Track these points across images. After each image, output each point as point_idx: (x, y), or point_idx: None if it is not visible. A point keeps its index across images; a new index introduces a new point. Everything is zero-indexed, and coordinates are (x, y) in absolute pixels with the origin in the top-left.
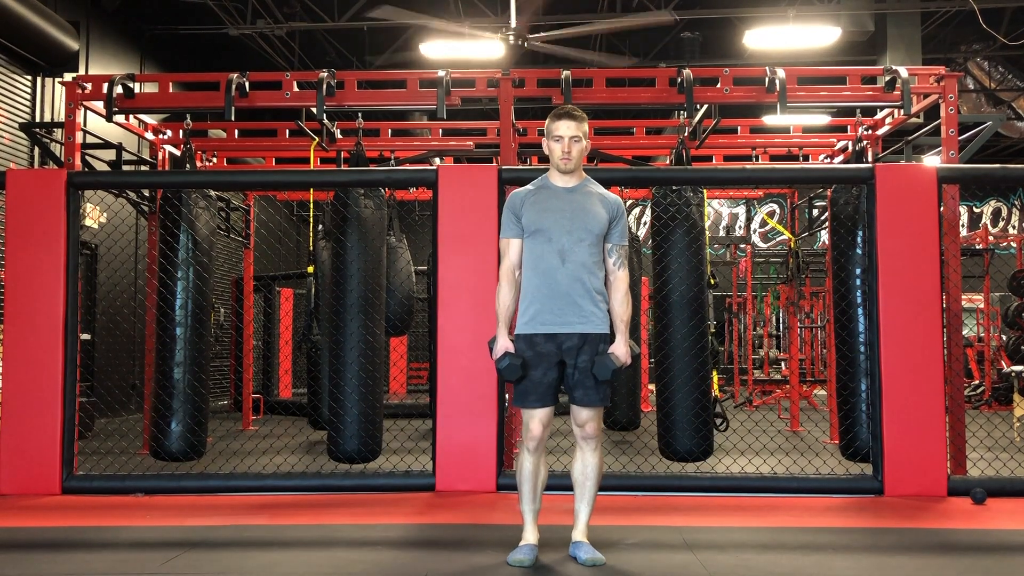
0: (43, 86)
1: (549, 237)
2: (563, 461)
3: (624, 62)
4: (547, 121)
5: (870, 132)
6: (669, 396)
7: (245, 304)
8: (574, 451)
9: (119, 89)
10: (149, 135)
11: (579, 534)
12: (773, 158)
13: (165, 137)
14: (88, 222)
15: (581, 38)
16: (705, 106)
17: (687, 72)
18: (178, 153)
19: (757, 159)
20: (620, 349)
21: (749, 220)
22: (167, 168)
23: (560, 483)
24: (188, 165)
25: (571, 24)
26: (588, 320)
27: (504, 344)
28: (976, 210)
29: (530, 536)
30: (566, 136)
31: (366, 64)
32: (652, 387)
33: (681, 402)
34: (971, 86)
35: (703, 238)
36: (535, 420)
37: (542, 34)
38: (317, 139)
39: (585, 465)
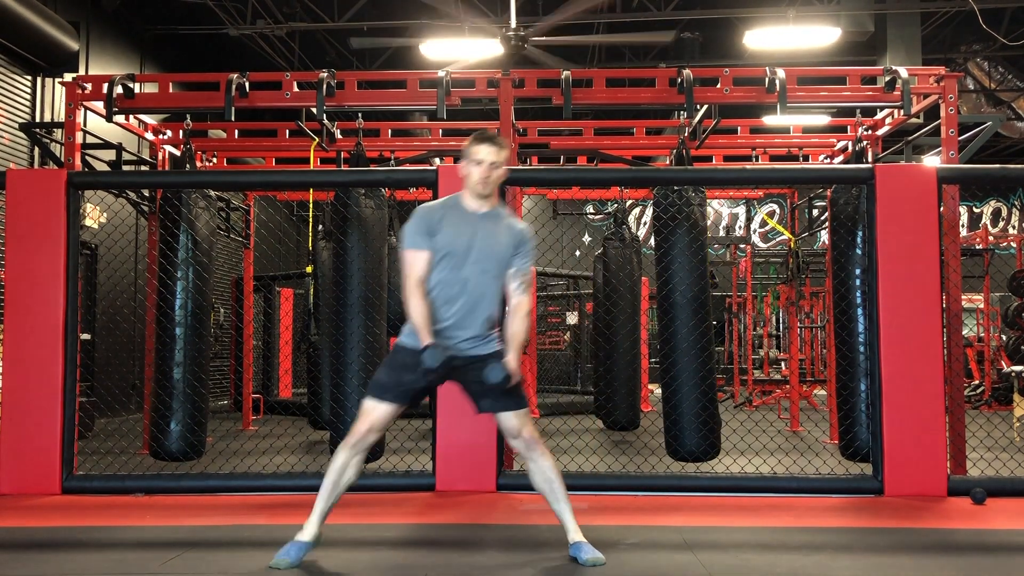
0: (43, 86)
1: (455, 263)
2: (562, 460)
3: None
4: (468, 143)
5: (870, 132)
6: (673, 395)
7: (245, 304)
8: (526, 464)
9: (119, 89)
10: (149, 135)
11: (574, 535)
12: (773, 158)
13: (165, 137)
14: (88, 222)
15: (580, 35)
16: (705, 106)
17: (687, 72)
18: (178, 153)
19: (757, 159)
20: (511, 363)
21: (749, 220)
22: (167, 168)
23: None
24: (188, 165)
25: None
26: (480, 347)
27: (428, 341)
28: (976, 210)
29: (308, 533)
30: (486, 161)
31: (366, 64)
32: (652, 387)
33: (685, 401)
34: (971, 86)
35: (704, 238)
36: (370, 416)
37: (542, 39)
38: (317, 139)
39: (542, 470)
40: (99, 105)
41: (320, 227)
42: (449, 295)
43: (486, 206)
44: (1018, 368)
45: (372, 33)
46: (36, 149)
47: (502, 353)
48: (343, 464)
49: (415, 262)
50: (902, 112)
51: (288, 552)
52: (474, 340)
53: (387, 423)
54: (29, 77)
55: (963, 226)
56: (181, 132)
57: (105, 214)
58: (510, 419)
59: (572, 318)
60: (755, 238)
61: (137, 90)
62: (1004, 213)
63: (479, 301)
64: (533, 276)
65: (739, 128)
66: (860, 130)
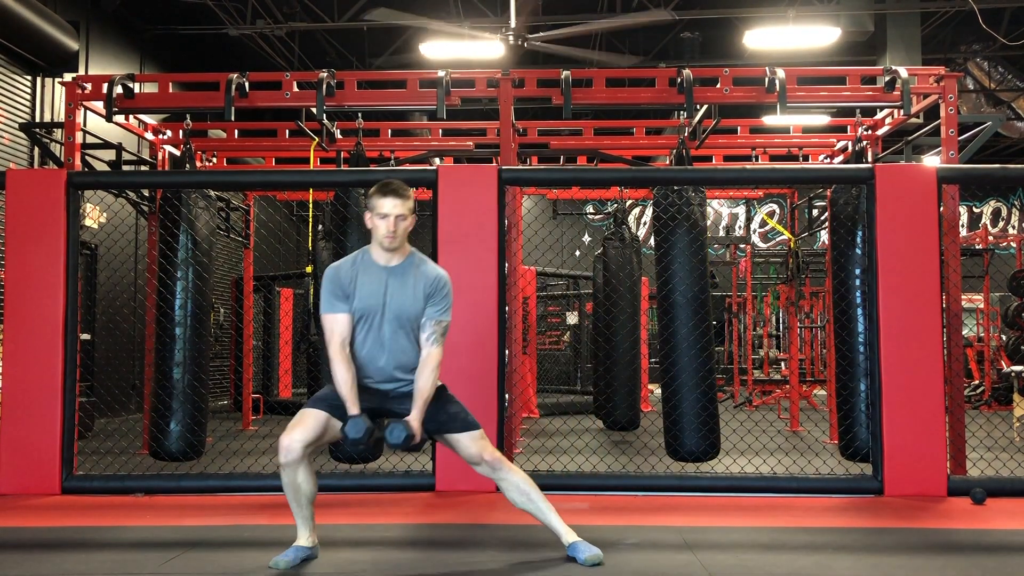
0: (43, 86)
1: (371, 324)
2: (562, 461)
3: (624, 61)
4: (371, 196)
5: (870, 132)
6: (673, 395)
7: (245, 304)
8: (500, 486)
9: (119, 89)
10: (149, 135)
11: (568, 537)
12: (773, 158)
13: (165, 137)
14: (88, 222)
15: (581, 38)
16: (705, 106)
17: (687, 72)
18: (178, 153)
19: (757, 159)
20: (414, 422)
21: (749, 220)
22: (167, 168)
23: (559, 483)
24: (188, 165)
25: (570, 24)
26: (406, 405)
27: (355, 411)
28: (976, 210)
29: (302, 538)
30: (392, 214)
31: (366, 64)
32: (652, 387)
33: (685, 401)
34: (971, 86)
35: (704, 238)
36: (298, 430)
37: (542, 34)
38: (317, 139)
39: (516, 485)
40: (99, 105)
41: (320, 227)
42: (370, 355)
43: (396, 258)
44: (1018, 368)
45: (372, 33)
46: (36, 149)
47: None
48: (291, 481)
49: (334, 325)
50: (902, 112)
51: (287, 555)
52: (403, 384)
53: (316, 438)
54: (29, 77)
55: (963, 226)
56: (181, 132)
57: (105, 214)
58: (467, 444)
59: (572, 318)
60: (755, 238)
61: (137, 90)
62: (1004, 213)
63: (398, 356)
64: (447, 326)
65: (739, 128)
66: (860, 130)
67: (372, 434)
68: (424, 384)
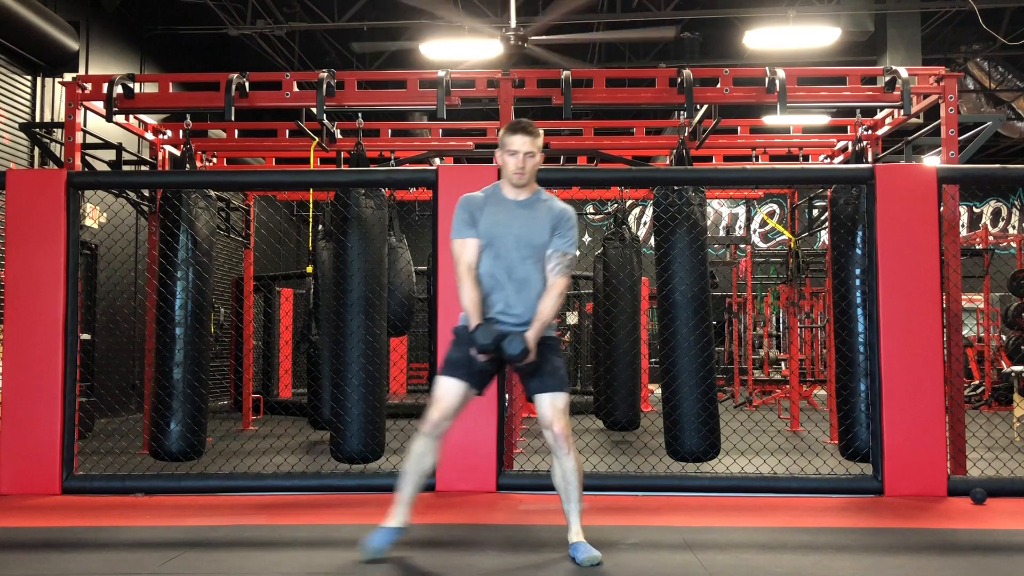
0: (43, 86)
1: (497, 252)
2: None
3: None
4: (502, 133)
5: (870, 132)
6: (673, 396)
7: (245, 304)
8: (550, 458)
9: (119, 89)
10: (149, 135)
11: (575, 535)
12: (773, 158)
13: (165, 137)
14: (88, 222)
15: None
16: (705, 106)
17: (687, 72)
18: (178, 153)
19: (757, 159)
20: (531, 338)
21: (749, 220)
22: (167, 168)
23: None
24: (188, 165)
25: (571, 29)
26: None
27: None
28: (976, 210)
29: (397, 519)
30: (521, 151)
31: (366, 63)
32: (652, 387)
33: (685, 401)
34: (971, 86)
35: (704, 238)
36: (442, 400)
37: (542, 38)
38: (317, 139)
39: (564, 471)
40: (99, 105)
41: (320, 227)
42: (495, 283)
43: (524, 193)
44: (1018, 368)
45: (372, 33)
46: (36, 149)
47: (548, 339)
48: (421, 451)
49: (463, 250)
50: (902, 112)
51: (376, 537)
52: (524, 325)
53: (459, 406)
54: (29, 77)
55: (963, 226)
56: (181, 132)
57: (105, 214)
58: (546, 407)
59: (572, 318)
60: (755, 238)
61: (137, 90)
62: (1004, 213)
63: (522, 287)
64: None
65: (739, 128)
66: (860, 130)
67: (499, 340)
68: (545, 307)
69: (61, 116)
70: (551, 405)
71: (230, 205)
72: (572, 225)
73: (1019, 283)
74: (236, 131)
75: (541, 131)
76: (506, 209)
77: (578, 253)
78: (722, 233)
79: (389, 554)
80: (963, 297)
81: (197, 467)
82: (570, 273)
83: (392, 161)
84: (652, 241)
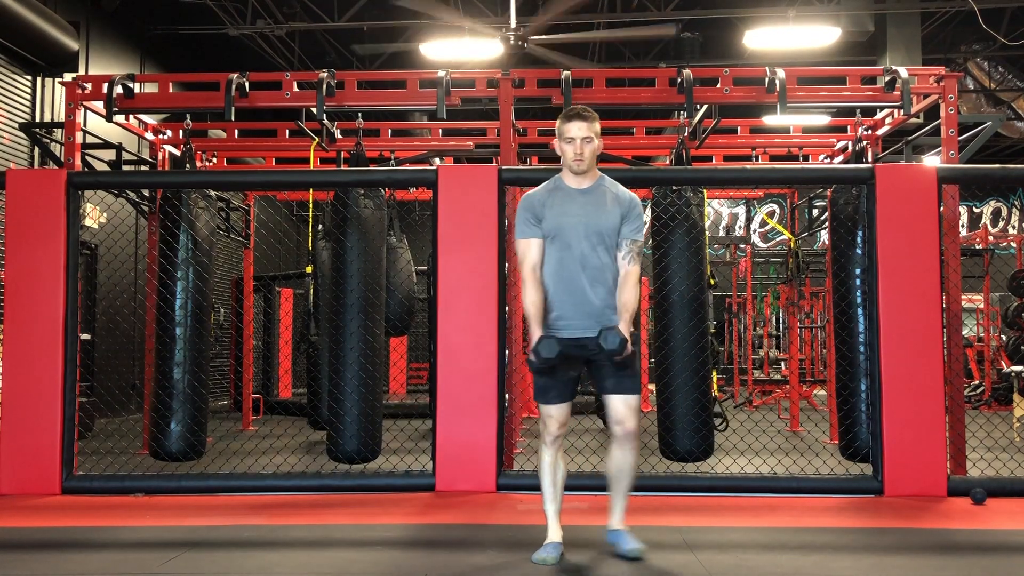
0: (43, 86)
1: (568, 243)
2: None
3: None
4: (558, 122)
5: (870, 132)
6: (669, 396)
7: (245, 304)
8: (610, 446)
9: (119, 89)
10: (149, 135)
11: (616, 523)
12: (773, 158)
13: (165, 137)
14: (88, 222)
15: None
16: (705, 106)
17: (687, 72)
18: (178, 153)
19: (757, 159)
20: (622, 326)
21: (749, 220)
22: (167, 168)
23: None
24: (188, 165)
25: (571, 29)
26: (608, 322)
27: (538, 332)
28: (976, 210)
29: (554, 534)
30: (578, 138)
31: (366, 64)
32: (651, 387)
33: (681, 402)
34: (971, 86)
35: (703, 238)
36: (552, 419)
37: (542, 37)
38: (317, 139)
39: (625, 463)
40: (99, 105)
41: (320, 227)
42: (566, 275)
43: (587, 181)
44: (1018, 368)
45: (372, 33)
46: (36, 149)
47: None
48: (552, 461)
49: (528, 250)
50: (902, 112)
51: (549, 550)
52: (600, 320)
53: (566, 417)
54: (29, 77)
55: (963, 226)
56: (181, 132)
57: (105, 214)
58: (620, 406)
59: None
60: (755, 238)
61: (137, 90)
62: (1004, 213)
63: (596, 276)
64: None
65: (739, 128)
66: (860, 130)
67: (561, 352)
68: (627, 298)
69: (61, 116)
70: (625, 404)
71: (230, 205)
72: (639, 212)
73: (1019, 283)
74: (236, 131)
75: (597, 116)
76: (571, 199)
77: (643, 240)
78: (722, 233)
79: (388, 554)
80: (963, 297)
81: (197, 467)
82: (639, 260)
83: (392, 161)
84: (651, 241)
